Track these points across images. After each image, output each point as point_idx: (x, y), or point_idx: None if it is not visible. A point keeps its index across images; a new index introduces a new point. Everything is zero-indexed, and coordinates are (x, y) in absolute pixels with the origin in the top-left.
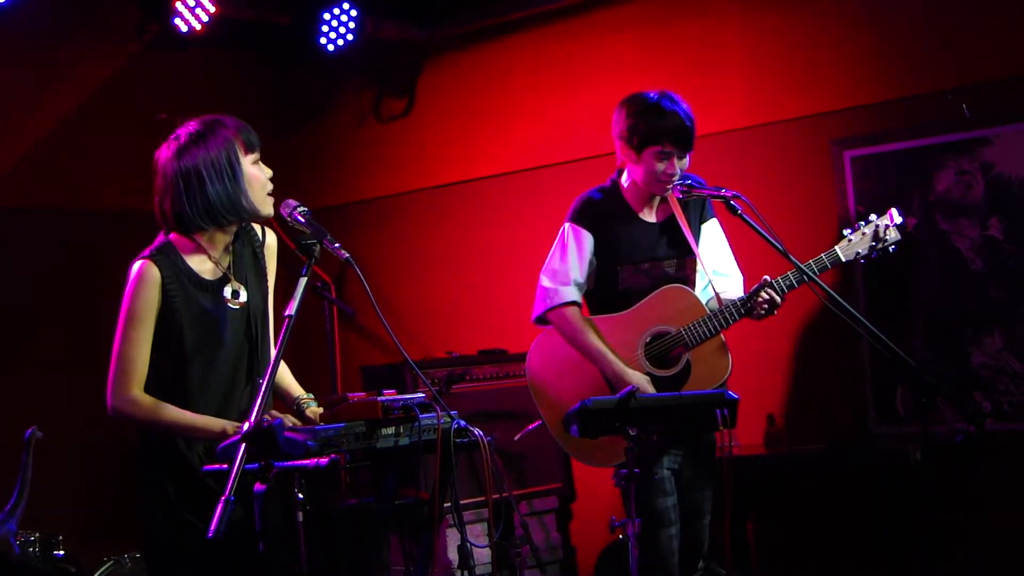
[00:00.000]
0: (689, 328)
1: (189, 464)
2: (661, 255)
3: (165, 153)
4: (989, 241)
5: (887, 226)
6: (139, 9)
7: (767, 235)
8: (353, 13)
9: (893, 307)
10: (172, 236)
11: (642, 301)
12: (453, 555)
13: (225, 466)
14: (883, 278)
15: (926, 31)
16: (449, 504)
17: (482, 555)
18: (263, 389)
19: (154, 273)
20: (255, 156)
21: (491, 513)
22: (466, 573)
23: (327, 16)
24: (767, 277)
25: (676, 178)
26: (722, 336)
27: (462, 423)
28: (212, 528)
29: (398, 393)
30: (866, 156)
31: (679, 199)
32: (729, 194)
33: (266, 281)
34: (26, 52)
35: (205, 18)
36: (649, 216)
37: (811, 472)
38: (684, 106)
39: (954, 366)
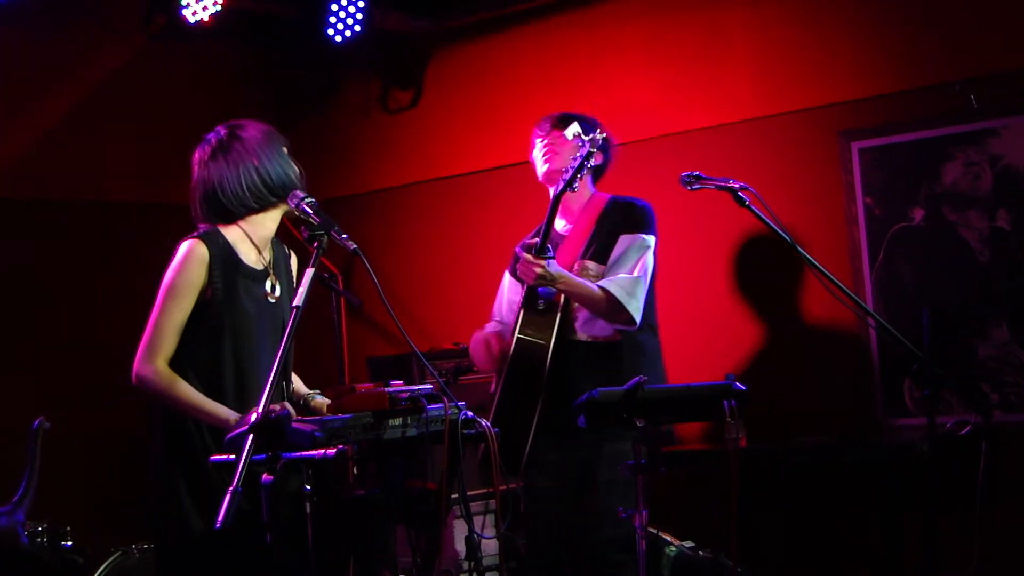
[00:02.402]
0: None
1: (202, 451)
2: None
3: (208, 148)
4: (997, 233)
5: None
6: (145, 0)
7: (775, 226)
8: (360, 4)
9: (900, 298)
10: (218, 224)
11: None
12: (460, 546)
13: (232, 457)
14: (891, 269)
15: (934, 22)
16: (456, 495)
17: (489, 546)
18: (271, 379)
19: (203, 251)
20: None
21: (498, 504)
22: (473, 564)
23: (334, 7)
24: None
25: (556, 145)
26: (520, 317)
27: (469, 414)
28: (219, 518)
29: (405, 384)
30: (874, 147)
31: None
32: (736, 185)
33: (294, 292)
34: (31, 43)
35: (213, 9)
36: (565, 228)
37: (819, 464)
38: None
39: (960, 357)
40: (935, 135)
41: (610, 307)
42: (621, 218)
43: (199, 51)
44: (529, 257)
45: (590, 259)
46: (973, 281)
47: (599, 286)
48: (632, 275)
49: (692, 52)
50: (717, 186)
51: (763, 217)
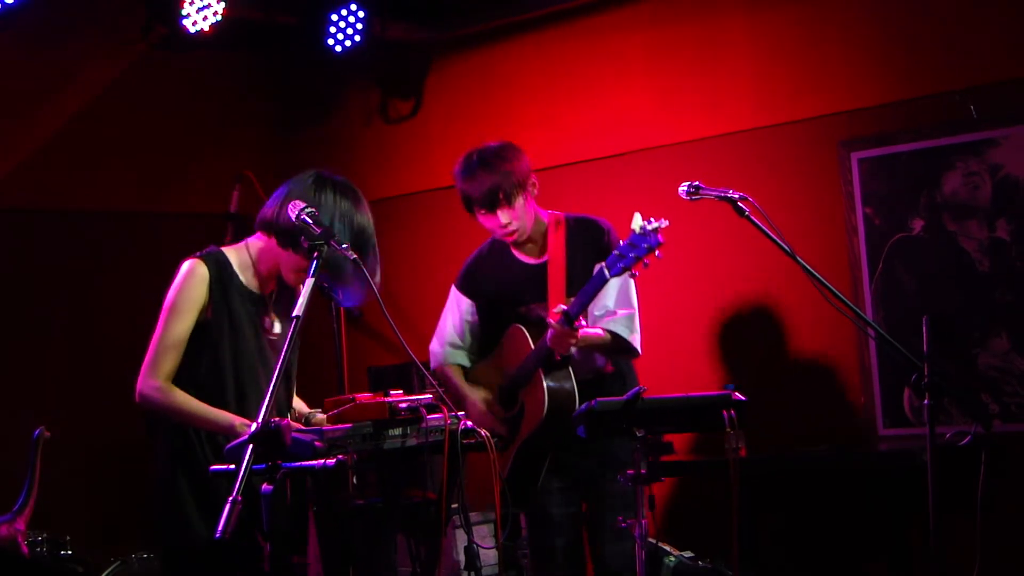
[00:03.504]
0: (517, 369)
1: (205, 461)
2: (535, 298)
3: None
4: (996, 242)
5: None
6: (146, 10)
7: (774, 237)
8: (361, 14)
9: (900, 308)
10: (224, 247)
11: (497, 346)
12: (460, 556)
13: (232, 467)
14: (890, 279)
15: (934, 32)
16: (456, 505)
17: (489, 556)
18: (271, 388)
19: (203, 271)
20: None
21: (498, 514)
22: (473, 574)
23: (334, 17)
24: (560, 308)
25: (512, 227)
26: (540, 374)
27: (469, 424)
28: (219, 528)
29: (405, 394)
30: (873, 157)
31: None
32: (736, 196)
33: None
34: (31, 52)
35: (213, 19)
36: (531, 256)
37: (819, 474)
38: (481, 162)
39: (960, 367)
40: (935, 145)
41: (617, 347)
42: (590, 245)
43: (199, 61)
44: (567, 330)
45: (574, 296)
46: (973, 291)
47: (604, 329)
48: (629, 311)
49: (692, 62)
50: (717, 196)
51: (762, 227)
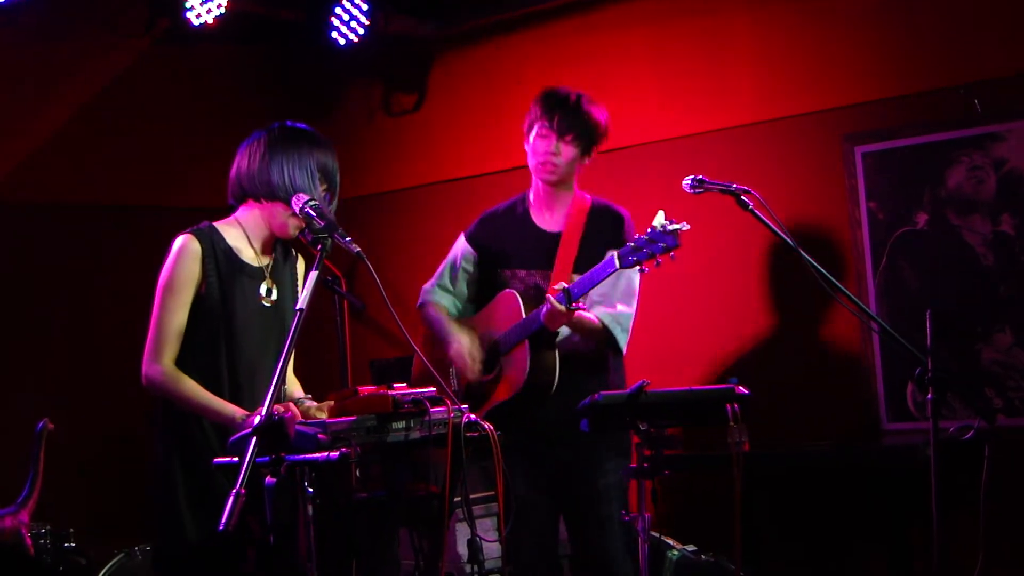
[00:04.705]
0: (503, 334)
1: (205, 455)
2: (539, 264)
3: (267, 134)
4: (1001, 237)
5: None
6: (148, 4)
7: (778, 230)
8: (364, 7)
9: (903, 302)
10: (216, 222)
11: (487, 304)
12: (463, 549)
13: (236, 459)
14: (894, 273)
15: (938, 26)
16: (459, 498)
17: (492, 549)
18: (274, 381)
19: (195, 246)
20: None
21: (501, 507)
22: (476, 567)
23: (338, 11)
24: (561, 285)
25: (557, 160)
26: (527, 344)
27: (472, 417)
28: (223, 521)
29: (408, 387)
30: (877, 151)
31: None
32: (739, 189)
33: (297, 296)
34: (33, 47)
35: (217, 12)
36: (549, 224)
37: (822, 468)
38: (577, 94)
39: (964, 362)
40: (939, 139)
41: (605, 339)
42: (608, 231)
43: (202, 55)
44: (563, 309)
45: (578, 273)
46: (976, 285)
47: (598, 318)
48: (628, 309)
49: (695, 56)
50: (720, 190)
51: (766, 221)
